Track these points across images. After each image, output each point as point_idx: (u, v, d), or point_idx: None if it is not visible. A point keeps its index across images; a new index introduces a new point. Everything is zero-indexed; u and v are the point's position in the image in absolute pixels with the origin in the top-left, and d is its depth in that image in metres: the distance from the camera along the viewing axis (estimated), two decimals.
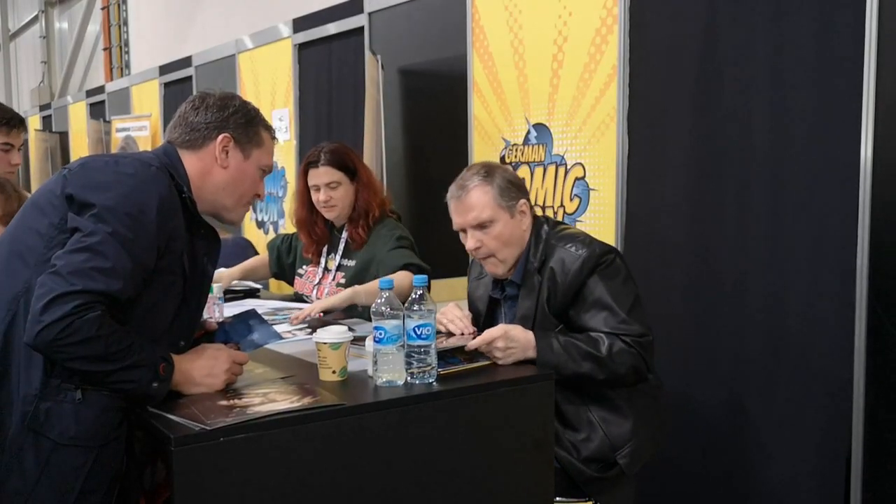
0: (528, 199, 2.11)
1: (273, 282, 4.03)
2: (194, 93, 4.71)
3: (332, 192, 2.64)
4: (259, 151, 1.75)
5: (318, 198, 2.67)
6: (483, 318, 2.23)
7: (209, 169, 1.69)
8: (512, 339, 1.89)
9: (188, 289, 1.64)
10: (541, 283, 2.03)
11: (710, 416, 2.58)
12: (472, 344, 1.87)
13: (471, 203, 2.04)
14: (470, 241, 2.07)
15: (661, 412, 2.13)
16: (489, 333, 1.89)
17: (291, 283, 2.97)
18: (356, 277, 2.65)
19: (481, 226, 2.05)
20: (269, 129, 1.79)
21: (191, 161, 1.69)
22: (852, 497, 2.25)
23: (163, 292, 1.59)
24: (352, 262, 2.70)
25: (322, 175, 2.64)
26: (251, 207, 1.88)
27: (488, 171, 2.07)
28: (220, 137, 1.69)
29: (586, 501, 2.11)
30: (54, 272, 1.43)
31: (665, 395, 2.19)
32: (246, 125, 1.72)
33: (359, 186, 2.67)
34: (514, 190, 2.06)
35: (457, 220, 2.09)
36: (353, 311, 2.56)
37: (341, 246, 2.75)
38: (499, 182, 2.05)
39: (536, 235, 2.08)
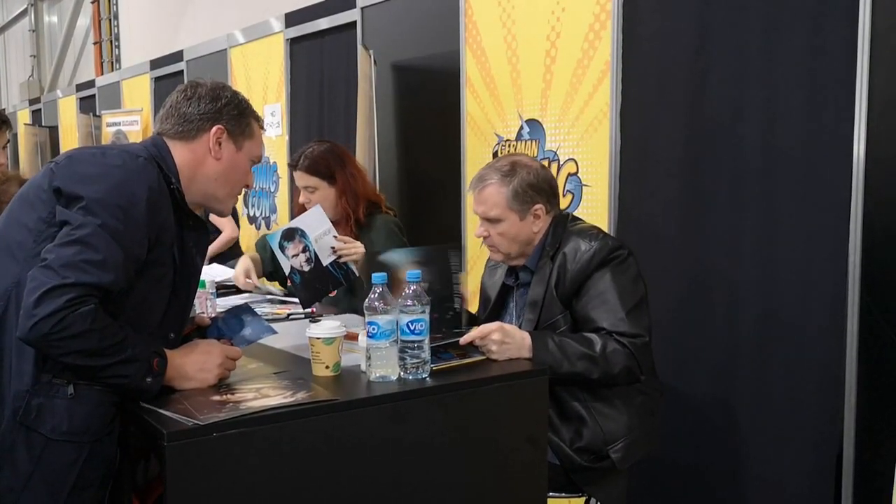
0: (550, 203, 2.12)
1: None
2: None
3: (310, 195, 2.71)
4: (250, 143, 1.75)
5: (301, 199, 2.74)
6: (492, 305, 2.25)
7: (202, 160, 1.69)
8: (508, 334, 1.90)
9: (178, 280, 1.64)
10: (552, 269, 2.05)
11: (701, 413, 2.58)
12: (468, 337, 1.87)
13: (483, 198, 2.11)
14: (479, 229, 2.16)
15: (657, 413, 2.14)
16: (486, 327, 1.90)
17: (284, 281, 2.97)
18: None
19: (489, 220, 2.10)
20: (259, 119, 1.80)
21: (182, 152, 1.68)
22: (843, 494, 2.26)
23: (153, 284, 1.58)
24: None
25: (299, 179, 2.72)
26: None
27: (511, 170, 2.09)
28: (214, 129, 1.68)
29: (579, 497, 2.12)
30: (45, 266, 1.42)
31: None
32: (238, 117, 1.72)
33: (337, 191, 2.68)
34: (531, 193, 2.08)
35: (473, 207, 2.18)
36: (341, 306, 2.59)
37: None
38: (516, 185, 2.07)
39: (555, 226, 2.12)
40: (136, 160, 1.57)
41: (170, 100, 1.72)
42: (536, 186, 2.09)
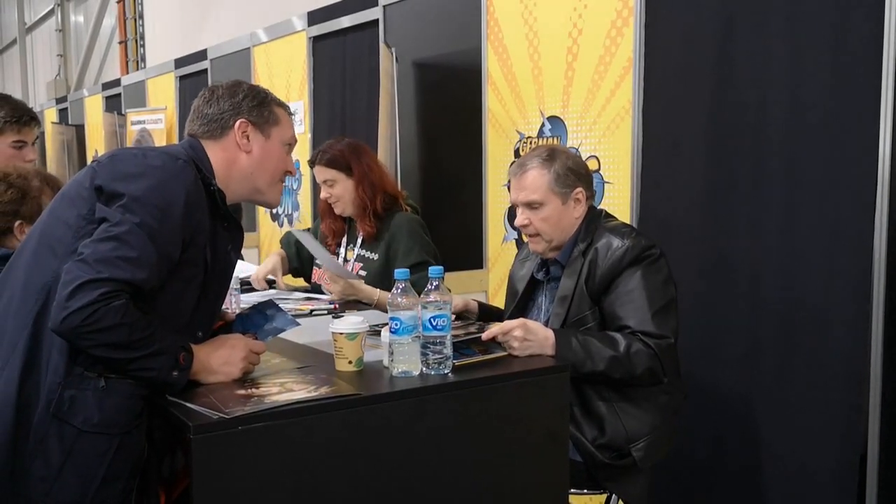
0: (589, 189, 2.13)
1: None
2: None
3: (330, 189, 2.77)
4: (278, 129, 1.78)
5: (322, 195, 2.81)
6: (520, 298, 2.25)
7: (234, 157, 1.73)
8: (530, 332, 1.90)
9: (209, 281, 1.66)
10: (583, 264, 2.05)
11: (723, 410, 2.57)
12: (490, 332, 1.87)
13: (525, 183, 2.10)
14: (519, 217, 2.14)
15: (678, 413, 2.13)
16: (508, 324, 1.90)
17: (309, 277, 3.00)
18: (381, 271, 2.72)
19: (531, 206, 2.09)
20: (283, 104, 1.82)
21: (215, 151, 1.72)
22: (868, 493, 2.24)
23: (184, 284, 1.61)
24: (374, 255, 2.75)
25: (318, 173, 2.79)
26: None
27: (551, 154, 2.10)
28: (238, 123, 1.72)
29: (601, 493, 2.12)
30: (81, 260, 1.46)
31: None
32: (259, 106, 1.75)
33: (355, 182, 2.74)
34: (571, 178, 2.09)
35: (512, 196, 2.17)
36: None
37: (359, 238, 2.82)
38: (557, 168, 2.08)
39: (589, 221, 2.12)
40: (175, 162, 1.60)
41: (192, 106, 1.77)
42: (576, 171, 2.10)
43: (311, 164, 2.80)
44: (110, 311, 1.43)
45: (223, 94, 1.74)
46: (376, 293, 2.63)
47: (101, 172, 1.57)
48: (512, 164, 2.23)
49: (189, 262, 1.59)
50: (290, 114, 1.84)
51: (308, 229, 3.14)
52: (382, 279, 2.69)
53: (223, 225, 1.70)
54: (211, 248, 1.65)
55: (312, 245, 2.74)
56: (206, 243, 1.63)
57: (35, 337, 1.52)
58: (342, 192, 2.74)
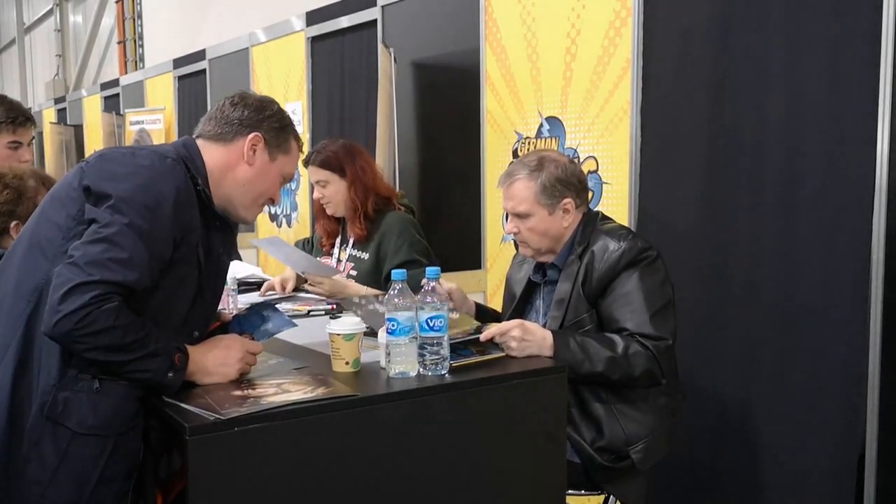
0: (580, 197, 2.12)
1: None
2: (207, 86, 4.76)
3: (323, 189, 2.78)
4: (285, 158, 1.78)
5: (315, 195, 2.82)
6: (518, 301, 2.25)
7: (234, 164, 1.71)
8: (528, 332, 1.90)
9: (203, 280, 1.66)
10: (580, 267, 2.05)
11: (721, 411, 2.57)
12: (488, 333, 1.87)
13: (512, 193, 2.11)
14: (509, 225, 2.15)
15: (677, 415, 2.13)
16: (506, 324, 1.90)
17: None
18: (371, 270, 2.73)
19: (519, 215, 2.11)
20: (299, 140, 1.83)
21: (216, 154, 1.70)
22: (866, 494, 2.24)
23: (178, 284, 1.60)
24: (364, 255, 2.76)
25: (311, 173, 2.80)
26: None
27: (539, 164, 2.10)
28: (252, 135, 1.71)
29: (598, 495, 2.12)
30: (72, 262, 1.45)
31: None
32: (279, 130, 1.75)
33: (348, 184, 2.74)
34: (559, 188, 2.08)
35: (502, 203, 2.18)
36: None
37: (351, 238, 2.83)
38: (544, 179, 2.07)
39: (585, 224, 2.12)
40: (164, 161, 1.59)
41: (217, 104, 1.77)
42: (564, 181, 2.09)
43: (306, 163, 2.79)
44: (103, 313, 1.43)
45: (251, 104, 1.74)
46: (363, 289, 2.62)
47: (90, 172, 1.56)
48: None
49: (182, 261, 1.58)
50: (301, 151, 1.85)
51: (306, 239, 3.15)
52: (373, 278, 2.70)
53: (215, 224, 1.69)
54: (204, 247, 1.64)
55: (282, 255, 2.73)
56: (199, 242, 1.62)
57: (27, 339, 1.51)
58: (334, 193, 2.75)
